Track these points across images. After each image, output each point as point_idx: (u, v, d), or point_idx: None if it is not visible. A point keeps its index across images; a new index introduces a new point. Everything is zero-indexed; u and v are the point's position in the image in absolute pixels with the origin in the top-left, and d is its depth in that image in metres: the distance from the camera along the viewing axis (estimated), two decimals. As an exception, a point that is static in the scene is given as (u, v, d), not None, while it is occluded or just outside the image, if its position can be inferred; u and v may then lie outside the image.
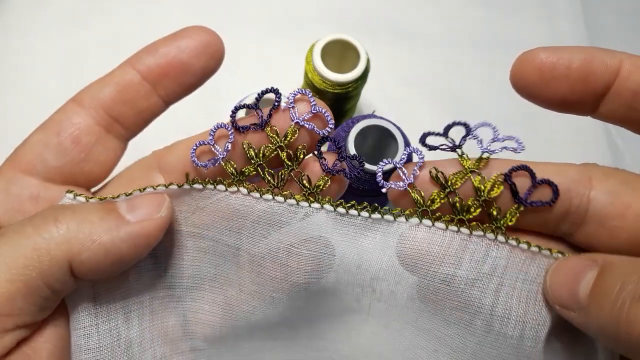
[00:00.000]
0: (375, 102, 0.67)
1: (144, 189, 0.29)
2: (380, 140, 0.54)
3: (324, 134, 0.30)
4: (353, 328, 0.34)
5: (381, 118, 0.52)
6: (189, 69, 0.31)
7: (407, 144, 0.51)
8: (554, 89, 0.27)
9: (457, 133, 0.31)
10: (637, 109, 0.27)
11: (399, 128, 0.52)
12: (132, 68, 0.31)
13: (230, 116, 0.30)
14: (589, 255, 0.27)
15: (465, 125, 0.30)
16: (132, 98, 0.31)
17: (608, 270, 0.25)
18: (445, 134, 0.30)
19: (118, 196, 0.29)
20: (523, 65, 0.28)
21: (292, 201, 0.29)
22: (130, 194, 0.29)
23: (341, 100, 0.57)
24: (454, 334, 0.30)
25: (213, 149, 0.30)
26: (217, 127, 0.30)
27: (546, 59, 0.27)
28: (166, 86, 0.31)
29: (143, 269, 0.31)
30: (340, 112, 0.61)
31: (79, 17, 0.70)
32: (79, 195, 0.29)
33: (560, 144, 0.69)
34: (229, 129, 0.30)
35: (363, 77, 0.54)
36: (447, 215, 0.29)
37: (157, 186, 0.29)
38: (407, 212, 0.30)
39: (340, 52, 0.55)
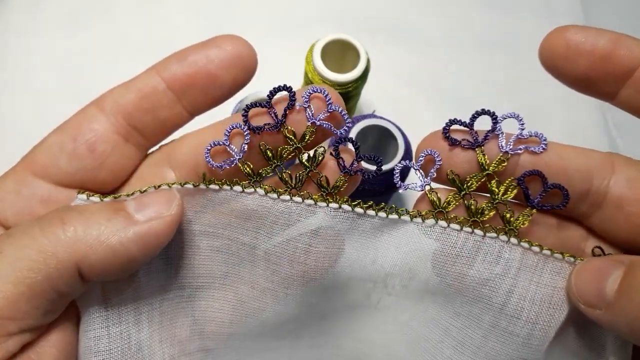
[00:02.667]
0: (375, 102, 0.67)
1: (159, 186, 0.28)
2: (380, 140, 0.54)
3: (341, 133, 0.29)
4: (358, 320, 0.34)
5: (381, 118, 0.52)
6: (216, 80, 0.29)
7: (407, 143, 0.51)
8: (577, 64, 0.28)
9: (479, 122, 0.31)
10: None
11: (399, 128, 0.52)
12: (157, 75, 0.29)
13: (243, 115, 0.29)
14: (614, 256, 0.28)
15: (492, 115, 0.30)
16: (154, 106, 0.29)
17: (635, 267, 0.25)
18: (470, 124, 0.30)
19: (133, 193, 0.28)
20: (552, 39, 0.28)
21: (310, 202, 0.29)
22: (145, 190, 0.28)
23: (341, 100, 0.57)
24: (461, 326, 0.30)
25: (229, 149, 0.29)
26: (232, 127, 0.29)
27: (574, 35, 0.27)
28: (191, 97, 0.29)
29: (154, 270, 0.31)
30: (340, 112, 0.61)
31: (79, 17, 0.70)
32: (92, 195, 0.28)
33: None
34: (244, 129, 0.29)
35: (363, 77, 0.54)
36: (462, 217, 0.30)
37: (172, 184, 0.28)
38: (423, 213, 0.30)
39: (340, 52, 0.55)
